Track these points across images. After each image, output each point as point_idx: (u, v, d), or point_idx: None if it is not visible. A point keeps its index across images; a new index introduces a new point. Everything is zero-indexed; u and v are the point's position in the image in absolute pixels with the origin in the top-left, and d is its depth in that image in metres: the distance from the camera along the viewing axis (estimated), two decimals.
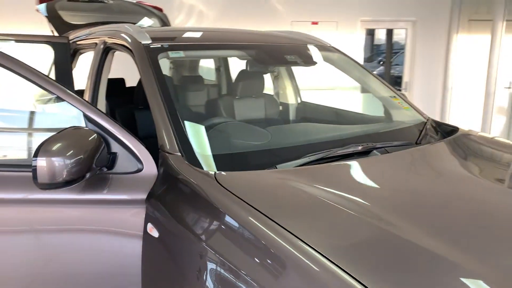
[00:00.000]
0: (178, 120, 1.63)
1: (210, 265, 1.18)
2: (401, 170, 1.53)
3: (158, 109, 1.64)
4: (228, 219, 1.20)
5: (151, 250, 1.44)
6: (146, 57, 1.88)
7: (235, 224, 1.17)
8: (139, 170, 1.55)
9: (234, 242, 1.16)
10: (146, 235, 1.47)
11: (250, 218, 1.15)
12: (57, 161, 1.32)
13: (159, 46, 2.00)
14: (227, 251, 1.14)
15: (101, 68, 2.40)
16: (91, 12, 4.40)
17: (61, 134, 1.39)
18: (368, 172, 1.45)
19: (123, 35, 2.12)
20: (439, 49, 6.69)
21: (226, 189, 1.27)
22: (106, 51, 2.41)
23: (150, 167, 1.55)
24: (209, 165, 1.45)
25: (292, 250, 1.00)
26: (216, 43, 2.23)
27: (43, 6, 4.07)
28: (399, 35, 8.80)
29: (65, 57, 2.52)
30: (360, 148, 1.61)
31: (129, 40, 2.03)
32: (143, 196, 1.52)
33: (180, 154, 1.50)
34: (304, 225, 1.12)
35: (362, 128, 2.06)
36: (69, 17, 4.05)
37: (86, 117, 1.54)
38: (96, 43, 2.58)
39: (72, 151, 1.35)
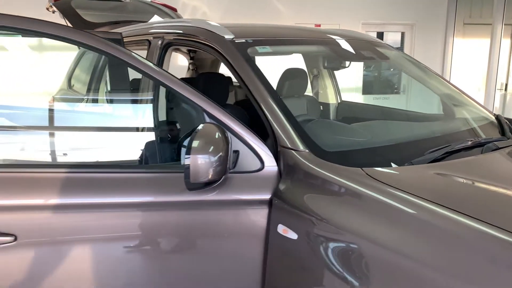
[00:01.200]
0: (292, 116, 1.56)
1: (375, 262, 1.13)
2: None
3: (269, 106, 1.57)
4: (395, 212, 1.15)
5: (286, 251, 1.36)
6: (237, 52, 1.80)
7: (405, 215, 1.13)
8: (260, 169, 1.47)
9: (404, 234, 1.11)
10: (277, 236, 1.39)
11: (423, 207, 1.11)
12: (205, 160, 1.23)
13: (244, 41, 1.92)
14: (399, 244, 1.09)
15: (161, 65, 2.29)
16: (107, 11, 4.25)
17: (202, 132, 1.29)
18: (501, 164, 1.44)
19: (199, 30, 2.02)
20: (435, 52, 6.87)
21: (386, 184, 1.22)
22: (165, 48, 2.30)
23: (271, 165, 1.47)
24: (346, 161, 1.39)
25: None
26: (296, 38, 2.17)
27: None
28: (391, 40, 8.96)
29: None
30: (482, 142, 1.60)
31: (210, 35, 1.94)
32: (267, 196, 1.44)
33: (308, 151, 1.43)
34: (480, 210, 1.10)
35: (453, 125, 2.05)
36: (88, 16, 3.89)
37: (208, 115, 1.44)
38: (148, 40, 2.46)
39: (215, 149, 1.26)
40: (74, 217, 1.39)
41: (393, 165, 1.42)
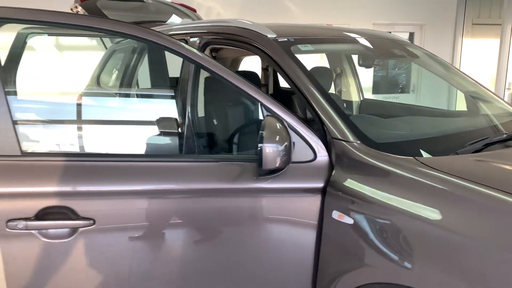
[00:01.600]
0: (340, 110, 1.66)
1: (430, 243, 1.22)
2: None
3: (318, 101, 1.67)
4: (453, 195, 1.25)
5: (342, 236, 1.46)
6: (282, 50, 1.90)
7: (462, 198, 1.23)
8: (313, 159, 1.57)
9: (463, 215, 1.20)
10: (332, 222, 1.49)
11: (479, 191, 1.21)
12: (273, 149, 1.33)
13: (286, 40, 2.02)
14: (457, 225, 1.19)
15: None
16: (130, 12, 4.35)
17: (267, 124, 1.39)
18: None
19: (241, 30, 2.11)
20: (444, 52, 6.98)
21: (441, 170, 1.32)
22: (203, 48, 2.40)
23: (322, 156, 1.57)
24: (397, 151, 1.49)
25: None
26: (334, 37, 2.28)
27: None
28: None
29: (160, 51, 2.48)
30: None
31: (253, 34, 2.03)
32: (320, 184, 1.54)
33: (359, 142, 1.53)
34: None
35: (482, 120, 2.15)
36: (114, 17, 3.98)
37: (266, 108, 1.55)
38: (185, 40, 2.56)
39: (281, 139, 1.37)
40: (148, 203, 1.50)
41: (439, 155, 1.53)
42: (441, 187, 1.29)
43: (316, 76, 2.78)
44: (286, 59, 1.85)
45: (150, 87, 2.51)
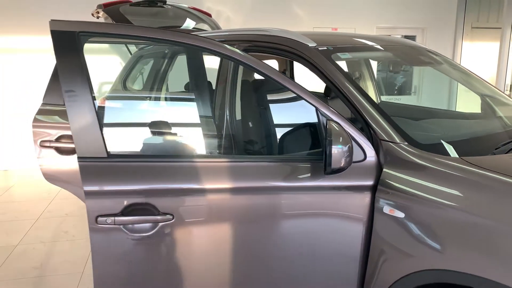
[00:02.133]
0: (385, 114, 1.82)
1: (476, 234, 1.39)
2: None
3: (364, 106, 1.82)
4: (499, 191, 1.42)
5: (393, 228, 1.62)
6: (325, 58, 2.05)
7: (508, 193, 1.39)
8: (363, 159, 1.72)
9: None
10: (384, 216, 1.65)
11: None
12: (340, 150, 1.49)
13: (326, 48, 2.17)
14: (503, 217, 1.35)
15: (237, 70, 2.53)
16: (151, 17, 4.47)
17: (330, 127, 1.55)
18: None
19: (281, 39, 2.25)
20: (445, 54, 7.18)
21: (487, 168, 1.49)
22: None
23: (371, 156, 1.73)
24: (440, 152, 1.66)
25: None
26: (367, 45, 2.44)
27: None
28: None
29: (199, 58, 2.62)
30: None
31: (295, 43, 2.18)
32: (370, 182, 1.70)
33: (406, 143, 1.70)
34: None
35: (504, 122, 2.31)
36: (137, 22, 4.10)
37: (322, 113, 1.70)
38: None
39: (344, 141, 1.52)
40: (223, 199, 1.65)
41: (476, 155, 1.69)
42: (491, 183, 1.45)
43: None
44: (329, 66, 2.00)
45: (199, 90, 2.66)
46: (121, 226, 1.54)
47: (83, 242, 3.62)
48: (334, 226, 1.74)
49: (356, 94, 1.87)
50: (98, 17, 4.75)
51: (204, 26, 4.74)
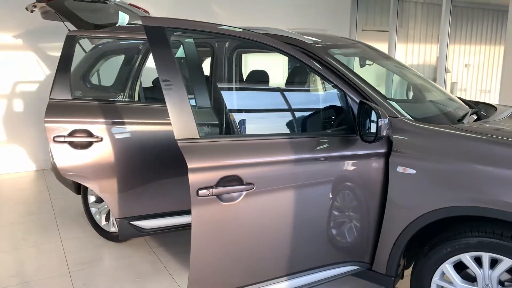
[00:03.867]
0: (383, 96, 2.31)
1: (461, 174, 1.96)
2: None
3: (367, 89, 2.29)
4: (482, 143, 2.01)
5: (407, 182, 2.11)
6: (327, 53, 2.48)
7: (490, 146, 1.99)
8: None
9: (494, 156, 1.95)
10: (398, 174, 2.13)
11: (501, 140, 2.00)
12: (384, 122, 1.92)
13: (321, 45, 2.60)
14: (487, 160, 1.94)
15: (232, 66, 2.83)
16: (93, 13, 4.42)
17: (373, 105, 1.98)
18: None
19: (286, 37, 2.60)
20: None
21: (470, 130, 2.08)
22: (232, 51, 2.85)
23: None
24: (433, 122, 2.21)
25: None
26: (347, 43, 2.91)
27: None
28: None
29: (194, 52, 2.82)
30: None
31: (299, 41, 2.55)
32: (383, 150, 2.18)
33: (410, 117, 2.21)
34: None
35: (456, 102, 2.99)
36: (81, 16, 4.01)
37: (348, 97, 2.12)
38: (210, 44, 2.95)
39: (385, 116, 1.96)
40: (292, 168, 1.96)
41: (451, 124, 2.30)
42: (471, 140, 2.03)
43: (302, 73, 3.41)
44: (333, 59, 2.43)
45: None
46: (216, 197, 1.75)
47: (50, 246, 3.47)
48: (361, 185, 2.18)
49: (361, 83, 2.33)
50: (32, 11, 4.48)
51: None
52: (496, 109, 2.89)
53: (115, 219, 2.71)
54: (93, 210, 3.62)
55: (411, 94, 2.95)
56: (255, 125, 2.21)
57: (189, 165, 1.69)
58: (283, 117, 2.37)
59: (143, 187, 2.69)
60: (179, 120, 1.68)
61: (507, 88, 5.82)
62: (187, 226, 2.87)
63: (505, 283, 2.05)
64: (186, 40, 2.85)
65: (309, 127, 2.32)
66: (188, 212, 2.81)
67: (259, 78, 3.20)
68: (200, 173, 1.73)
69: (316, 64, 2.23)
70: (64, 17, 3.94)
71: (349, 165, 2.13)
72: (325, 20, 7.92)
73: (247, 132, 2.19)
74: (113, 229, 3.48)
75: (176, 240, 3.56)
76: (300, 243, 2.07)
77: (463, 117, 2.52)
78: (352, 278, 2.84)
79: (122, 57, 3.64)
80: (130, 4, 4.91)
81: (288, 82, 3.15)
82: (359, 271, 2.35)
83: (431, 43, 9.01)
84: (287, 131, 2.31)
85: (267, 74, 3.15)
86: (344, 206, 2.16)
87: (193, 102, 2.83)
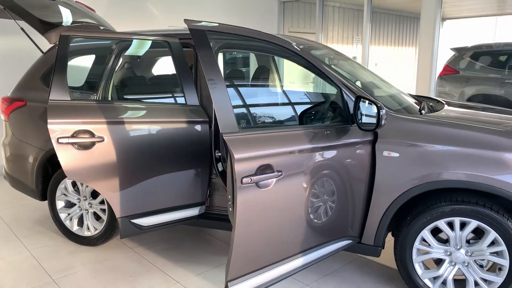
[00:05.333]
0: (363, 91, 2.67)
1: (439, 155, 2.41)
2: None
3: (349, 85, 2.63)
4: (443, 126, 2.46)
5: (390, 165, 2.48)
6: (312, 53, 2.77)
7: (448, 129, 2.45)
8: None
9: (450, 137, 2.42)
10: (384, 157, 2.49)
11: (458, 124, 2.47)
12: (383, 112, 2.25)
13: (303, 46, 2.88)
14: (449, 142, 2.40)
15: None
16: (41, 10, 4.24)
17: (370, 99, 2.29)
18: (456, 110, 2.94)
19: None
20: None
21: (437, 117, 2.52)
22: (218, 50, 3.02)
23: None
24: (406, 113, 2.62)
25: None
26: (311, 44, 3.22)
27: None
28: None
29: (180, 53, 2.91)
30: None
31: (287, 43, 2.80)
32: (370, 138, 2.53)
33: (388, 109, 2.59)
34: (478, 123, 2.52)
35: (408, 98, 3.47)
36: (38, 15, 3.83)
37: (345, 92, 2.43)
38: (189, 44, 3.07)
39: (382, 107, 2.29)
40: (308, 156, 2.21)
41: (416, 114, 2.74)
42: (445, 122, 2.48)
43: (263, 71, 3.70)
44: (318, 59, 2.73)
45: None
46: (255, 184, 1.93)
47: (20, 257, 3.28)
48: (354, 168, 2.50)
49: (341, 78, 2.65)
50: None
51: (89, 21, 4.70)
52: (444, 103, 3.44)
53: (118, 218, 2.70)
54: (62, 216, 3.49)
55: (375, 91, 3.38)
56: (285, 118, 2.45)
57: (236, 156, 1.85)
58: (289, 110, 2.61)
59: (142, 185, 2.73)
60: (223, 115, 1.83)
61: (421, 81, 6.70)
62: (182, 221, 2.96)
63: (470, 241, 2.53)
64: (172, 41, 2.93)
65: (313, 120, 2.59)
66: (183, 207, 2.91)
67: (239, 76, 3.40)
68: (243, 163, 1.89)
69: (322, 65, 2.50)
70: (15, 14, 3.72)
71: (348, 152, 2.45)
72: (256, 22, 8.27)
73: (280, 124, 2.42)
74: (88, 233, 3.40)
75: (154, 240, 3.60)
76: (314, 222, 2.33)
77: (421, 109, 2.98)
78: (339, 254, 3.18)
79: (90, 57, 3.56)
80: (79, 3, 4.76)
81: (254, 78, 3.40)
82: (350, 245, 2.68)
83: (347, 44, 9.89)
84: (293, 123, 2.56)
85: (243, 72, 3.35)
86: (345, 188, 2.47)
87: (182, 100, 2.93)
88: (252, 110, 2.42)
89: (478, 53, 8.28)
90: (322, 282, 2.92)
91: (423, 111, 2.90)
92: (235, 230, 1.93)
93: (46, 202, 3.95)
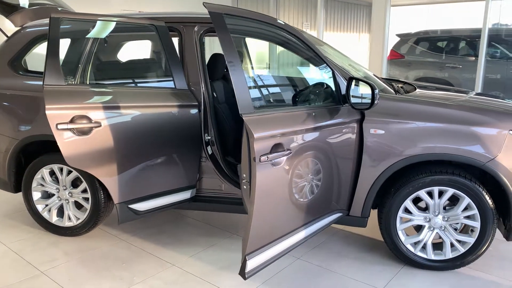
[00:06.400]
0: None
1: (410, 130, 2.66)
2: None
3: (337, 67, 2.79)
4: (409, 104, 2.70)
5: (377, 141, 2.68)
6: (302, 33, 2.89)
7: (415, 106, 2.70)
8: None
9: (410, 114, 2.68)
10: (371, 134, 2.68)
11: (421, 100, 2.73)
12: (377, 92, 2.41)
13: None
14: (408, 117, 2.66)
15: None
16: None
17: (364, 80, 2.45)
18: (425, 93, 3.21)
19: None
20: None
21: (413, 97, 2.75)
22: (203, 34, 3.05)
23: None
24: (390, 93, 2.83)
25: None
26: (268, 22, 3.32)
27: None
28: None
29: (167, 37, 2.89)
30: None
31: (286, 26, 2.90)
32: (358, 117, 2.71)
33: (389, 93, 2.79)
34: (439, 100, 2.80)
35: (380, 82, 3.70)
36: None
37: (337, 74, 2.57)
38: (177, 29, 3.06)
39: (376, 87, 2.46)
40: (312, 135, 2.35)
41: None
42: (419, 100, 2.73)
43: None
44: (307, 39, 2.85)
45: None
46: (269, 162, 2.02)
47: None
48: (344, 145, 2.67)
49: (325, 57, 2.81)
50: None
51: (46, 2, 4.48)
52: (415, 86, 3.72)
53: (116, 204, 2.67)
54: (39, 207, 3.35)
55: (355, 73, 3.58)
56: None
57: (255, 135, 1.92)
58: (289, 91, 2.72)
59: (138, 170, 2.71)
60: (242, 96, 1.90)
61: (373, 66, 7.09)
62: (176, 205, 2.98)
63: (446, 207, 2.82)
64: (159, 24, 2.90)
65: (305, 101, 2.72)
66: (176, 191, 2.93)
67: (220, 61, 3.43)
68: (261, 142, 1.98)
69: (316, 48, 2.62)
70: None
71: (340, 130, 2.61)
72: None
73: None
74: (69, 223, 3.31)
75: (137, 227, 3.57)
76: (314, 197, 2.48)
77: (396, 90, 3.22)
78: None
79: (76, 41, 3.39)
80: None
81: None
82: (340, 218, 2.88)
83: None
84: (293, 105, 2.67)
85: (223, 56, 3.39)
86: (337, 163, 2.64)
87: (172, 84, 2.92)
88: (256, 92, 2.49)
89: (419, 39, 8.88)
90: (312, 254, 3.10)
91: (398, 92, 3.14)
92: (253, 205, 2.02)
93: (15, 194, 3.77)
